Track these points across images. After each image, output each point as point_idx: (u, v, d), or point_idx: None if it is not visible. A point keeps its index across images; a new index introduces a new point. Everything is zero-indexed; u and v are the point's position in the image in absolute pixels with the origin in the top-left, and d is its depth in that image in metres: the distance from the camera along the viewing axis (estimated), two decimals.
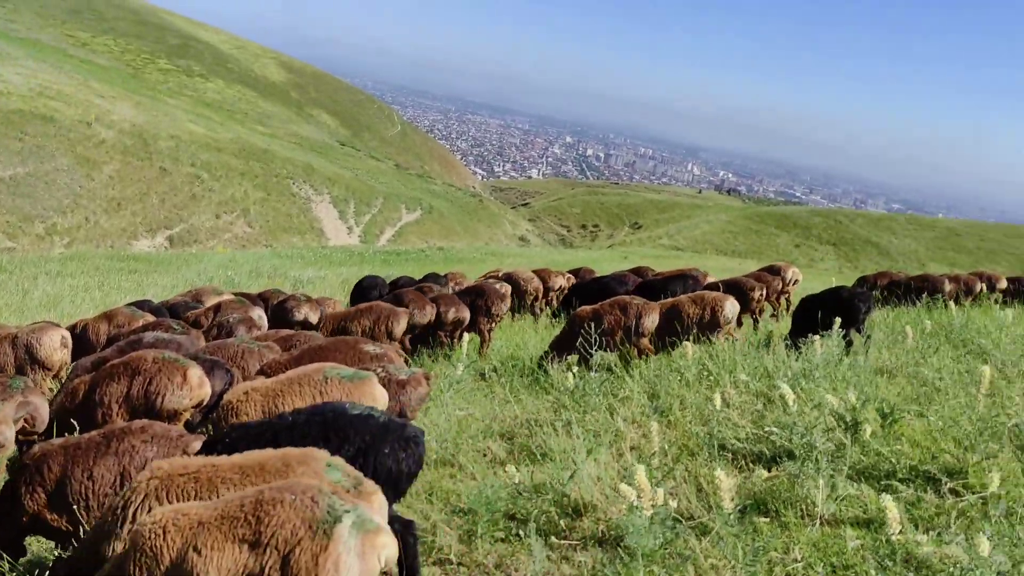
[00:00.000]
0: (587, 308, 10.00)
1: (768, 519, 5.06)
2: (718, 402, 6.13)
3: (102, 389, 6.55)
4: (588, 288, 15.15)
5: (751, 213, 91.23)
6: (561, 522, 5.16)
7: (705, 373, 8.16)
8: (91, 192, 48.19)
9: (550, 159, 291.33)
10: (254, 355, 7.83)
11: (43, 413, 8.01)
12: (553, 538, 4.96)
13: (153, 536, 3.26)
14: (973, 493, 5.02)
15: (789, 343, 10.06)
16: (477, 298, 11.96)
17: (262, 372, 7.01)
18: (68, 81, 63.02)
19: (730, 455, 6.10)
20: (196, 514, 3.30)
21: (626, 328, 9.45)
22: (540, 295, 15.62)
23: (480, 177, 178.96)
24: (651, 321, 9.53)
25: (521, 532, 5.02)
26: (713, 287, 13.18)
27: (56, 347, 9.76)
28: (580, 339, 9.29)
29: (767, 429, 6.28)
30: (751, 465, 5.91)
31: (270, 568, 3.10)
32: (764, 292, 13.29)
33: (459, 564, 4.83)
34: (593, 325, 9.40)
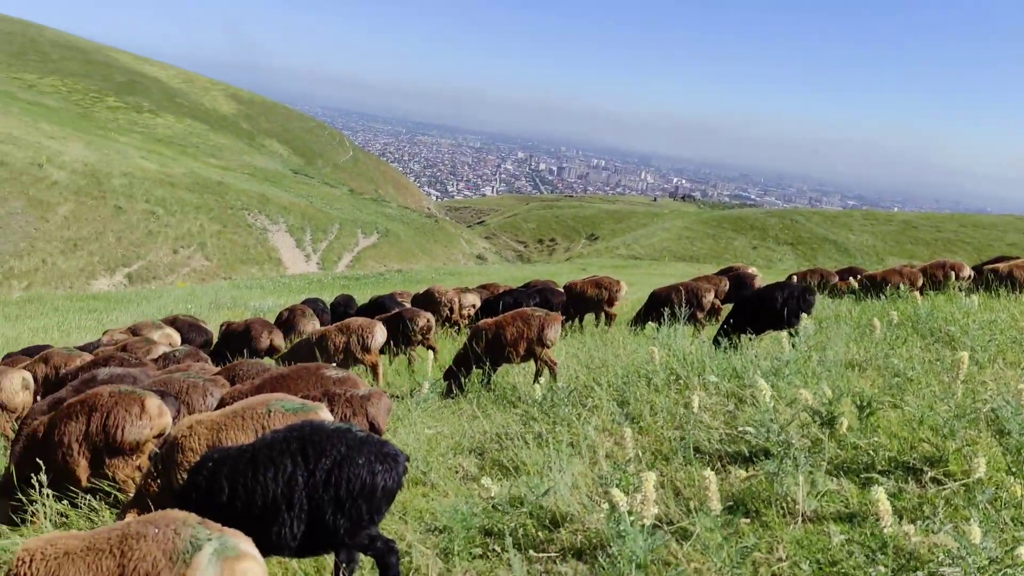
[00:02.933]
0: (488, 320, 10.19)
1: (749, 520, 4.99)
2: (695, 404, 6.05)
3: (60, 429, 6.31)
4: (494, 304, 15.34)
5: (707, 218, 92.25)
6: (539, 534, 5.03)
7: (673, 377, 8.11)
8: (46, 234, 47.25)
9: (503, 176, 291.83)
10: (198, 389, 7.67)
11: None
12: (531, 551, 4.83)
13: (19, 563, 3.32)
14: (955, 481, 4.99)
15: (721, 338, 10.22)
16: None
17: (223, 403, 6.83)
18: (17, 124, 61.89)
19: (705, 457, 6.03)
20: (64, 545, 3.37)
21: (528, 339, 9.64)
22: (457, 309, 15.94)
23: (434, 198, 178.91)
24: (554, 332, 9.70)
25: (498, 547, 4.89)
26: (671, 291, 13.42)
27: (17, 389, 9.61)
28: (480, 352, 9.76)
29: (740, 429, 6.23)
30: (727, 466, 5.84)
31: None
32: (713, 294, 13.73)
33: None
34: (493, 337, 9.70)
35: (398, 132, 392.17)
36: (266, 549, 4.21)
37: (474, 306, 16.31)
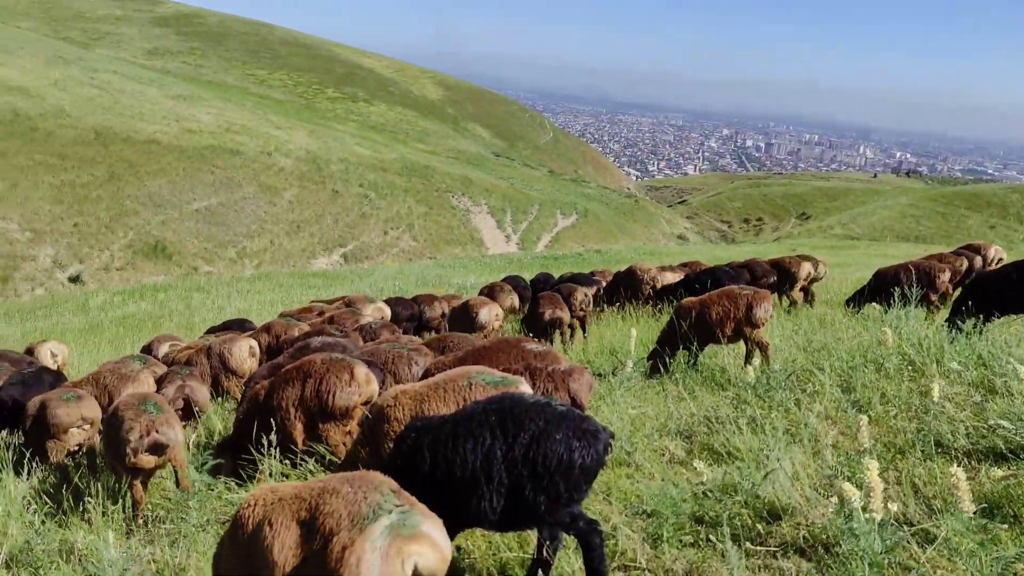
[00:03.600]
0: (692, 299, 9.64)
1: (1007, 526, 4.31)
2: (936, 393, 5.34)
3: (278, 394, 6.72)
4: (696, 282, 14.51)
5: (936, 194, 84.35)
6: (756, 526, 4.64)
7: (906, 363, 7.31)
8: (274, 217, 51.75)
9: (706, 154, 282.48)
10: (403, 359, 7.91)
11: (200, 395, 8.61)
12: (748, 544, 4.45)
13: (246, 507, 3.59)
14: None
15: (960, 322, 8.93)
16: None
17: (428, 373, 6.96)
18: (250, 116, 68.19)
19: (949, 453, 5.33)
20: (281, 490, 3.56)
21: (735, 319, 9.00)
22: (659, 287, 15.22)
23: (634, 177, 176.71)
24: (764, 311, 8.92)
25: (711, 536, 4.56)
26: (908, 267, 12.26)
27: (246, 356, 10.44)
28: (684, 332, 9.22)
29: (993, 422, 5.45)
30: (976, 464, 5.12)
31: (315, 552, 3.22)
32: (949, 274, 12.39)
33: (646, 570, 4.42)
34: (698, 316, 9.17)
35: (598, 112, 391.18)
36: (467, 521, 4.16)
37: None
